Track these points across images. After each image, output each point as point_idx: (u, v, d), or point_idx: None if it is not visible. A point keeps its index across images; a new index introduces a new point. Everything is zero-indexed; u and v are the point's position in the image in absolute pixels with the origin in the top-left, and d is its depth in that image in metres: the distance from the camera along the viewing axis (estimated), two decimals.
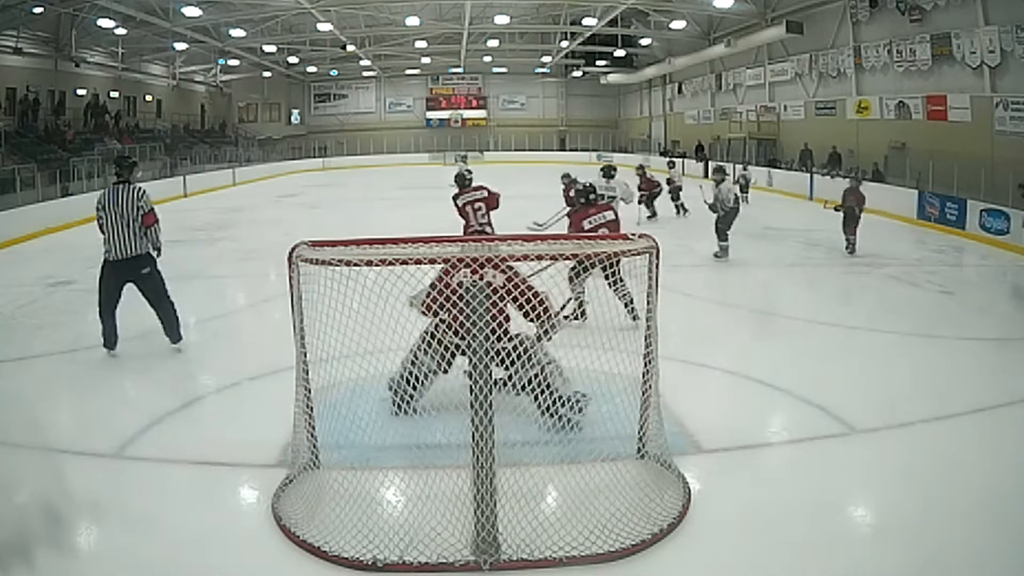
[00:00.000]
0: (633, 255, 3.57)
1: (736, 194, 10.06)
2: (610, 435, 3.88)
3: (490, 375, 3.02)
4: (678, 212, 14.39)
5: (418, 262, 3.30)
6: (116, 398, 5.17)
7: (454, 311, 3.23)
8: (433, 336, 4.22)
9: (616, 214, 6.61)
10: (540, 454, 3.78)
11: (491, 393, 3.01)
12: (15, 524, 3.32)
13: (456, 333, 3.57)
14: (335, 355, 3.44)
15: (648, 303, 3.70)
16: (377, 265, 3.13)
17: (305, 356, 3.57)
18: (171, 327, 5.91)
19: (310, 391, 3.63)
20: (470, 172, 7.82)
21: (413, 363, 4.25)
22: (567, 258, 3.34)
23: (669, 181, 14.64)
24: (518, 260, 3.13)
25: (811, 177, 18.52)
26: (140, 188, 5.72)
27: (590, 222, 6.38)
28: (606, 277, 5.18)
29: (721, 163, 17.89)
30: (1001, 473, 3.81)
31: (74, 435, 4.38)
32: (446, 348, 4.20)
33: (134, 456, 4.07)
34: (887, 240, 12.16)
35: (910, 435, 4.31)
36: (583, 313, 5.01)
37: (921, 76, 16.13)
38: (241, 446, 4.10)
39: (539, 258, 3.34)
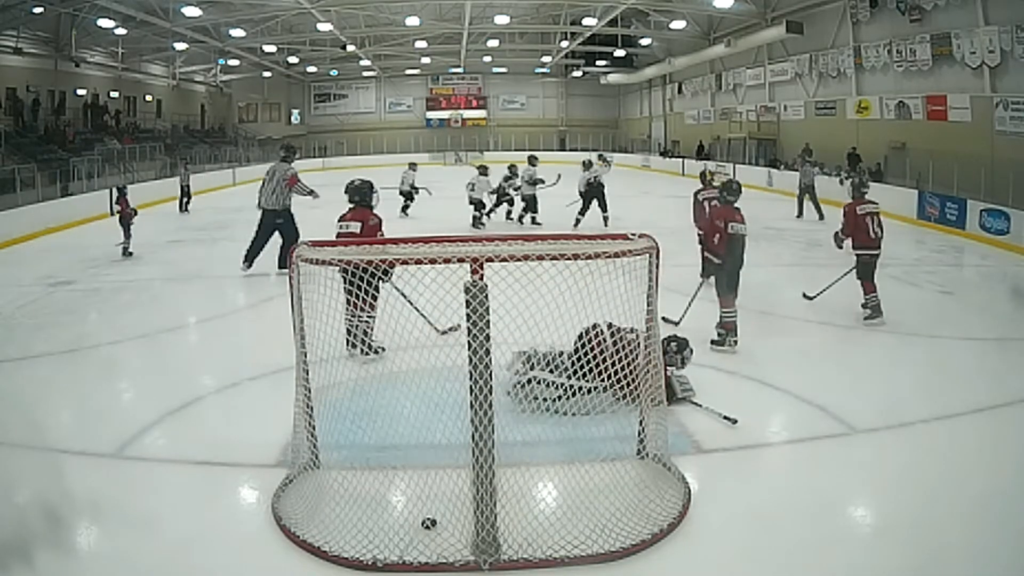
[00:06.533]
0: (633, 255, 3.56)
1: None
2: (610, 435, 3.89)
3: (490, 376, 3.02)
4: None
5: (418, 262, 3.31)
6: (116, 398, 5.18)
7: None
8: None
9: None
10: (540, 454, 3.78)
11: (490, 392, 3.01)
12: (15, 524, 3.32)
13: None
14: (335, 355, 3.45)
15: (648, 303, 3.69)
16: (377, 265, 3.14)
17: (305, 356, 3.57)
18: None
19: (310, 391, 3.62)
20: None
21: None
22: (568, 258, 3.32)
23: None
24: (518, 260, 3.11)
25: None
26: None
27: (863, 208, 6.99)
28: None
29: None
30: (1001, 473, 3.82)
31: (74, 435, 4.38)
32: None
33: (134, 456, 4.07)
34: (887, 240, 12.13)
35: (910, 435, 4.32)
36: None
37: (921, 76, 16.13)
38: (241, 446, 4.10)
39: (539, 258, 3.31)
